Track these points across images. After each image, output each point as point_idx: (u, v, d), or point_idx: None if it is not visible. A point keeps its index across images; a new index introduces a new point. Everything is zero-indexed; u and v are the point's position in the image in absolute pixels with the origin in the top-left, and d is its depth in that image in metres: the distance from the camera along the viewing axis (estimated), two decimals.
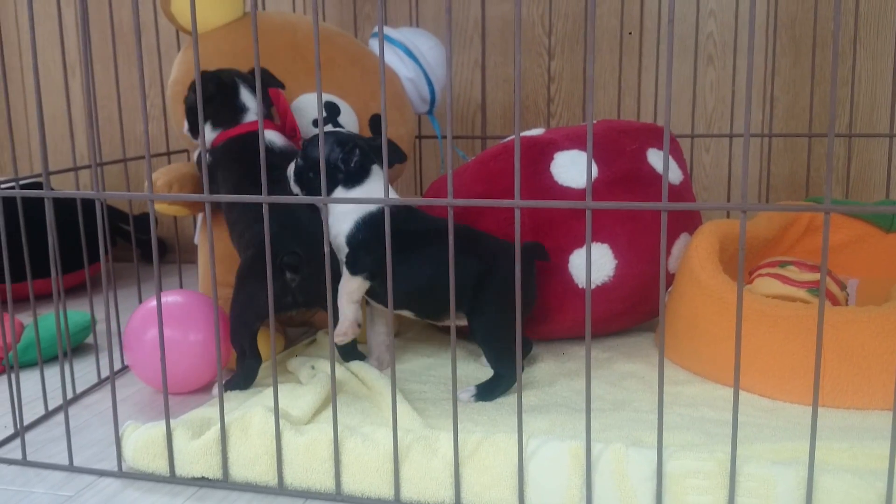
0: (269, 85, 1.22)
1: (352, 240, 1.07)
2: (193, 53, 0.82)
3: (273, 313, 0.83)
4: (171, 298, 1.09)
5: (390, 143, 1.13)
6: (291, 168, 1.11)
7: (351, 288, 1.06)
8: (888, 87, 1.60)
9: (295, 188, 1.11)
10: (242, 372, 1.06)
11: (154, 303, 1.10)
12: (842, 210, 0.67)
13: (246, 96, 1.19)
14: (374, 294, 1.09)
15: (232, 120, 1.18)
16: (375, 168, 1.10)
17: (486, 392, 1.04)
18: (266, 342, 1.11)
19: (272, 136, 1.17)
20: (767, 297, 1.05)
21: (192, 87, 1.23)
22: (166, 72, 1.57)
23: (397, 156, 1.14)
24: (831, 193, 1.43)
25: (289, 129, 1.20)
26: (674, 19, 0.64)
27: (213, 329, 1.07)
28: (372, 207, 1.07)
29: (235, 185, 1.12)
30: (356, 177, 1.09)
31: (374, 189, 1.09)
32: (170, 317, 1.05)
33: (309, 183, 1.09)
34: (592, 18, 0.69)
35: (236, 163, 1.14)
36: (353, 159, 1.08)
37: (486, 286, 1.05)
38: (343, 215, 1.08)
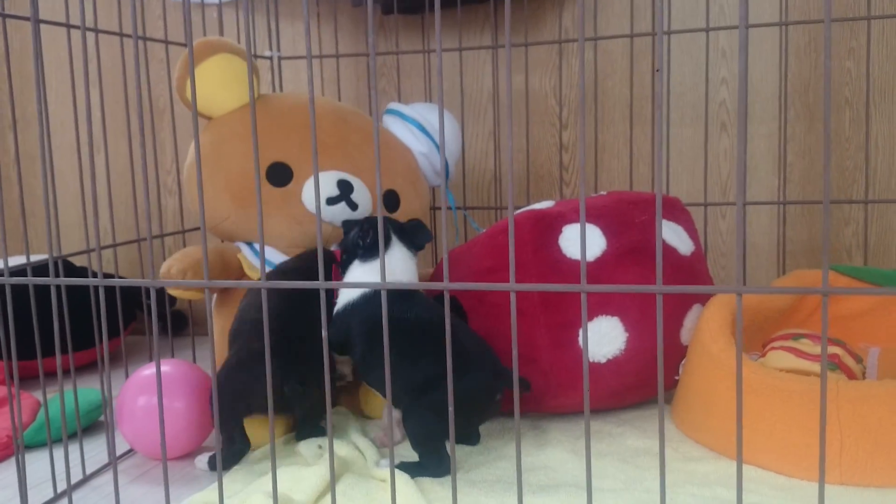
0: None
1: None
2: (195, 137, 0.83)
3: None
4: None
5: (417, 223, 1.21)
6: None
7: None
8: None
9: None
10: (229, 455, 1.07)
11: (142, 373, 1.15)
12: (838, 292, 0.66)
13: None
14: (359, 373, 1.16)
15: None
16: (396, 245, 1.16)
17: (408, 469, 1.03)
18: (264, 426, 1.12)
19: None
20: (780, 371, 1.03)
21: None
22: (182, 151, 1.60)
23: (424, 235, 1.19)
24: (809, 267, 1.41)
25: None
26: (662, 104, 0.64)
27: (196, 396, 1.13)
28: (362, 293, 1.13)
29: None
30: (372, 252, 1.15)
31: (391, 262, 1.14)
32: (154, 385, 1.10)
33: (344, 265, 1.19)
34: (582, 98, 0.69)
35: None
36: (367, 237, 1.15)
37: (441, 387, 0.98)
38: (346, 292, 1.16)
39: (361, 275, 1.15)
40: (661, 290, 0.70)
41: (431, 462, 1.03)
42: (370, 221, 1.17)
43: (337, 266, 1.23)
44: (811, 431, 0.98)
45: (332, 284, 0.81)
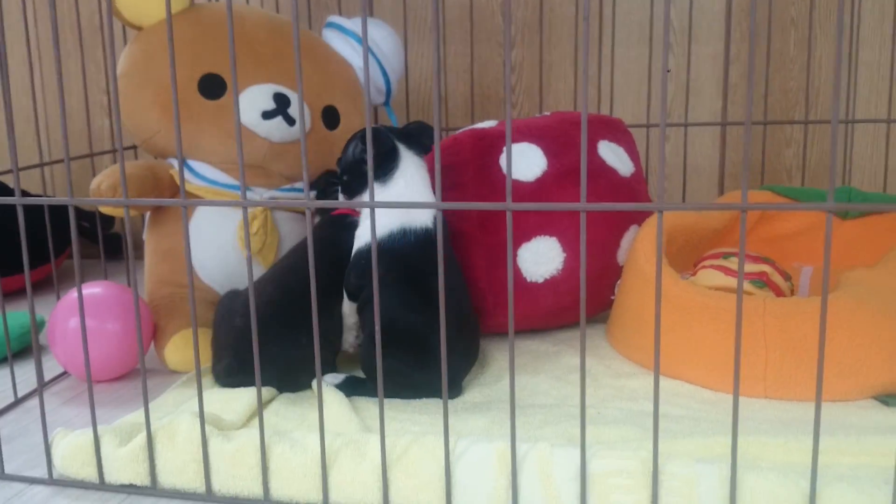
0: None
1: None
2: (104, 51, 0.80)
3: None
4: (90, 290, 1.11)
5: (420, 124, 1.09)
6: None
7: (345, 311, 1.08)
8: (846, 72, 1.60)
9: (344, 199, 1.10)
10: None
11: (74, 295, 1.13)
12: (756, 208, 0.66)
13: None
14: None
15: None
16: (405, 154, 1.06)
17: (351, 386, 1.02)
18: (187, 347, 1.12)
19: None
20: (709, 289, 1.04)
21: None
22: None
23: (429, 135, 1.09)
24: (748, 188, 1.43)
25: None
26: (588, 16, 0.62)
27: (129, 318, 1.11)
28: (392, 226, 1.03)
29: None
30: (386, 168, 1.05)
31: (409, 179, 1.04)
32: (89, 307, 1.08)
33: (347, 188, 1.08)
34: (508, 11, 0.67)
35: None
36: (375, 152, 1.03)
37: (399, 358, 0.98)
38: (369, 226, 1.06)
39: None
40: (585, 207, 0.70)
41: (375, 384, 1.02)
42: (372, 132, 1.05)
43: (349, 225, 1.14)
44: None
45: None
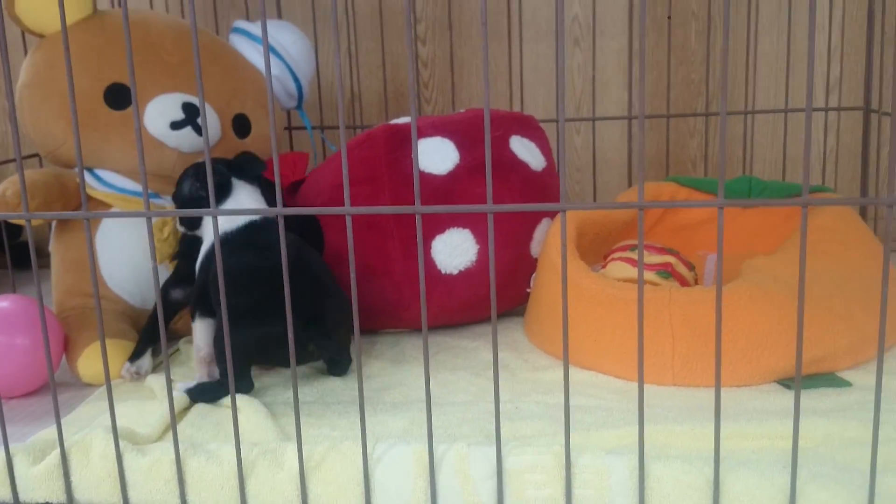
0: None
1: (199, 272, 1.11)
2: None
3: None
4: None
5: (246, 156, 1.17)
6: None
7: (197, 338, 1.08)
8: (745, 63, 1.66)
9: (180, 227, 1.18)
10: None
11: None
12: (652, 206, 0.69)
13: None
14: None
15: None
16: (236, 183, 1.13)
17: (200, 392, 1.02)
18: (100, 359, 1.10)
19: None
20: (619, 281, 1.07)
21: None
22: (16, 73, 1.50)
23: (257, 166, 1.15)
24: (653, 179, 1.47)
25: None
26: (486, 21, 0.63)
27: (39, 332, 1.07)
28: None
29: None
30: (219, 197, 1.12)
31: (241, 203, 1.12)
32: None
33: (187, 220, 1.16)
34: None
35: None
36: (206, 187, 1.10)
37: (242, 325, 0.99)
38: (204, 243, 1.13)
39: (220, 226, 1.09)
40: (492, 209, 0.71)
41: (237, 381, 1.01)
42: (201, 168, 1.13)
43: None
44: (647, 337, 1.03)
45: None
